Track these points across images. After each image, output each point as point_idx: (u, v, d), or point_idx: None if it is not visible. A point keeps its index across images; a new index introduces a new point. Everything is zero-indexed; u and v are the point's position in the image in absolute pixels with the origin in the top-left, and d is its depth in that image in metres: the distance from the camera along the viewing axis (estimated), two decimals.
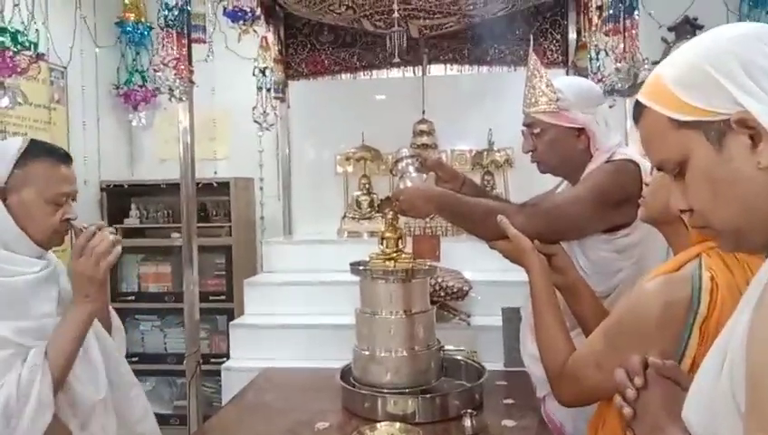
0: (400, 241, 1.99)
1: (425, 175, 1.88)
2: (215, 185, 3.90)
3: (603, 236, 1.62)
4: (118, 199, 4.00)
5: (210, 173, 4.04)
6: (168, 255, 4.01)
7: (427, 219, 2.98)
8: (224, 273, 3.96)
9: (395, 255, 1.96)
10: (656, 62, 2.34)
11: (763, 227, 0.76)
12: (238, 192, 4.01)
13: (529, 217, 1.55)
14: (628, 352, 1.15)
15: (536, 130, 1.73)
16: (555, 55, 3.46)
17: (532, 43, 1.85)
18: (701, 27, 3.99)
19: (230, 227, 3.96)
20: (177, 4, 2.31)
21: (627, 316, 1.19)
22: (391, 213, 1.96)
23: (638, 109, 0.88)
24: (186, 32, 2.36)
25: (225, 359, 3.81)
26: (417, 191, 1.77)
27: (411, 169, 1.90)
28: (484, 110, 3.45)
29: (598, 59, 3.30)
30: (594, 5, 2.83)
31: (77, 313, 1.44)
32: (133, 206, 4.05)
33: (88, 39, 3.95)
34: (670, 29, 3.95)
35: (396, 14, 2.35)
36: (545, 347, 1.38)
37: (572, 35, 3.37)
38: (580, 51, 3.31)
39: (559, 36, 3.41)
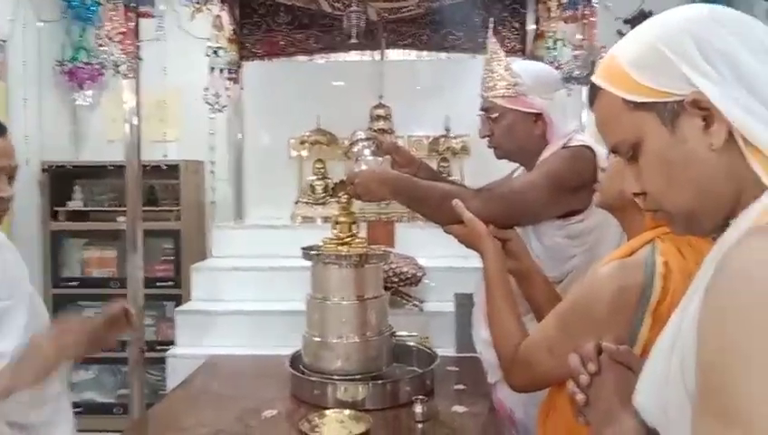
0: (354, 226, 1.94)
1: (380, 158, 1.84)
2: (164, 167, 3.79)
3: (558, 221, 1.61)
4: (60, 181, 3.84)
5: (160, 155, 3.91)
6: (114, 239, 3.88)
7: (382, 205, 2.95)
8: (172, 258, 3.86)
9: (348, 239, 1.91)
10: None
11: (715, 210, 0.75)
12: (188, 175, 3.90)
13: (484, 202, 1.53)
14: (580, 336, 1.14)
15: (494, 115, 1.71)
16: (513, 43, 3.46)
17: (491, 27, 1.82)
18: None
19: (179, 211, 3.85)
20: None
21: (580, 301, 1.18)
22: (345, 197, 1.92)
23: (593, 91, 0.86)
24: (134, 5, 2.25)
25: (172, 346, 3.75)
26: (372, 174, 1.73)
27: (367, 152, 1.86)
28: (441, 96, 3.43)
29: (555, 48, 3.32)
30: None
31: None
32: (77, 188, 3.89)
33: (30, 12, 3.76)
34: (626, 21, 4.00)
35: None
36: (498, 332, 1.37)
37: (531, 25, 3.36)
38: (537, 40, 3.32)
39: (517, 24, 3.41)
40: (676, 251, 1.13)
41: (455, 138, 3.21)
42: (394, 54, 3.52)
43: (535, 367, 1.26)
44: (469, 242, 1.49)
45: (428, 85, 3.48)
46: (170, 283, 3.78)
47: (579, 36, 3.28)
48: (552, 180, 1.55)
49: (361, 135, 1.91)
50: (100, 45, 2.20)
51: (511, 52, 3.46)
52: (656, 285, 1.09)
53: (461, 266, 2.68)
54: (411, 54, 3.53)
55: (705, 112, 0.72)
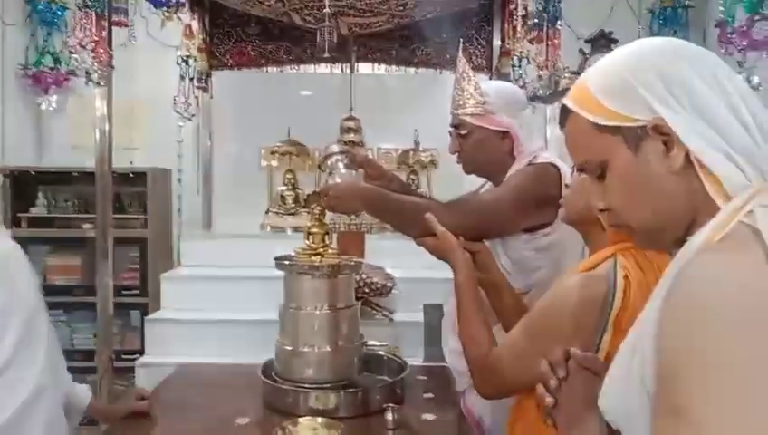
0: (327, 236, 1.99)
1: (354, 171, 1.88)
2: (131, 175, 3.75)
3: (524, 235, 1.68)
4: (23, 187, 3.77)
5: (126, 162, 3.87)
6: (79, 246, 3.83)
7: (353, 216, 2.99)
8: (137, 266, 3.82)
9: (321, 250, 1.95)
10: (574, 72, 2.45)
11: (674, 227, 0.82)
12: (155, 183, 3.87)
13: (455, 215, 1.59)
14: (546, 344, 1.20)
15: (463, 132, 1.77)
16: (480, 60, 3.55)
17: (461, 46, 1.90)
18: (615, 41, 4.21)
19: (146, 219, 3.82)
20: None
21: (547, 311, 1.24)
22: (318, 208, 1.95)
23: (564, 113, 0.92)
24: (106, 13, 2.25)
25: (138, 355, 3.70)
26: (345, 187, 1.77)
27: (341, 165, 1.90)
28: (410, 110, 3.50)
29: (520, 66, 3.43)
30: (519, 14, 2.93)
31: None
32: (40, 194, 3.82)
33: None
34: (587, 41, 4.14)
35: (327, 10, 2.35)
36: (468, 341, 1.42)
37: (497, 42, 3.46)
38: (503, 57, 3.42)
39: (484, 42, 3.51)
40: (635, 265, 1.20)
41: (423, 151, 3.28)
42: (363, 68, 3.58)
43: (503, 374, 1.32)
44: (440, 253, 1.54)
45: (397, 99, 3.55)
46: (136, 291, 3.74)
47: (541, 57, 3.41)
48: (519, 195, 1.62)
49: (335, 148, 1.96)
50: (71, 53, 2.19)
51: (477, 68, 3.55)
52: (617, 297, 1.16)
53: (429, 277, 2.73)
54: (380, 68, 3.59)
55: (666, 137, 0.79)
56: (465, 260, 1.50)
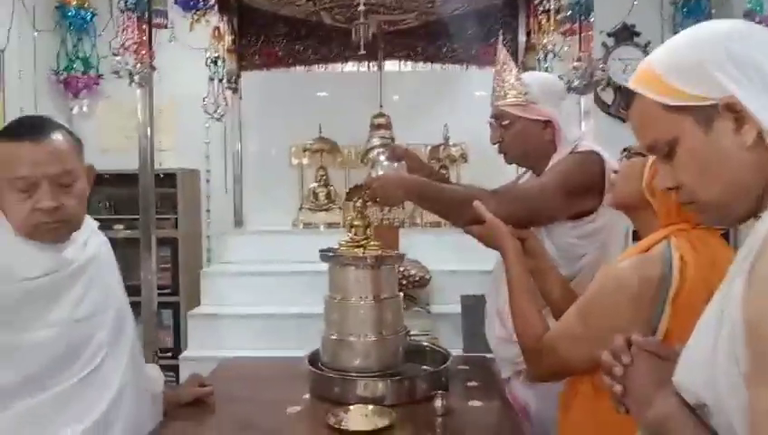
0: (368, 229, 2.02)
1: (396, 163, 1.92)
2: (160, 176, 3.81)
3: (569, 222, 1.70)
4: None
5: (155, 164, 3.92)
6: (111, 247, 3.88)
7: (386, 210, 3.02)
8: (169, 266, 3.87)
9: (364, 242, 1.99)
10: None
11: (745, 200, 0.85)
12: (184, 184, 3.93)
13: (502, 203, 1.61)
14: (603, 327, 1.23)
15: (504, 122, 1.80)
16: None
17: (500, 38, 1.93)
18: (638, 34, 4.24)
19: (176, 219, 3.88)
20: None
21: (602, 293, 1.26)
22: (360, 201, 1.99)
23: (629, 96, 0.95)
24: (146, 15, 2.31)
25: (170, 354, 3.76)
26: (390, 179, 1.81)
27: (382, 157, 1.94)
28: (438, 105, 3.53)
29: (546, 60, 3.44)
30: (551, 7, 2.95)
31: None
32: None
33: (26, 22, 3.78)
34: (610, 34, 4.16)
35: (361, 7, 2.39)
36: (521, 326, 1.44)
37: (522, 37, 3.48)
38: (529, 52, 3.43)
39: (509, 37, 3.52)
40: (690, 246, 1.22)
41: (453, 146, 3.31)
42: (389, 65, 3.61)
43: (558, 357, 1.34)
44: (490, 241, 1.57)
45: (425, 95, 3.58)
46: (167, 290, 3.79)
47: (566, 48, 3.41)
48: (565, 183, 1.65)
49: (376, 142, 2.00)
50: (114, 54, 2.24)
51: None
52: (674, 277, 1.18)
53: (462, 269, 2.77)
54: (407, 65, 3.62)
55: (737, 115, 0.82)
56: (516, 247, 1.52)
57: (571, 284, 1.68)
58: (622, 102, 1.18)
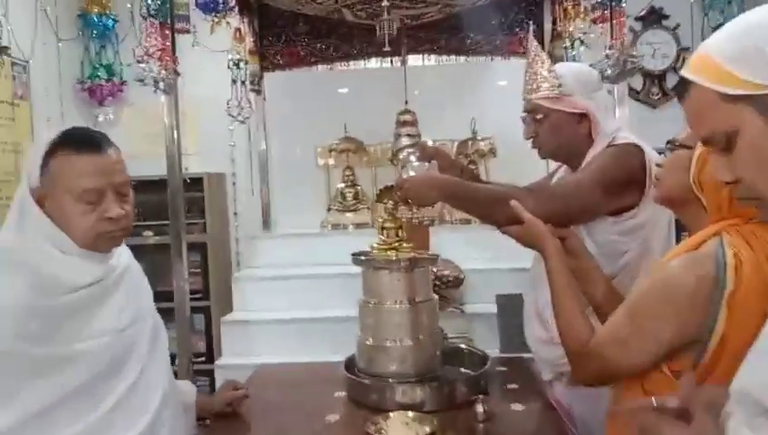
0: (400, 231, 1.98)
1: (427, 163, 1.87)
2: (187, 181, 3.80)
3: (610, 218, 1.64)
4: None
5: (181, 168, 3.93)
6: (140, 254, 3.89)
7: (414, 209, 2.98)
8: (199, 270, 3.88)
9: (396, 244, 1.95)
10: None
11: None
12: (211, 188, 3.93)
13: (540, 202, 1.56)
14: (653, 329, 1.18)
15: (538, 116, 1.75)
16: None
17: (531, 29, 1.87)
18: (667, 17, 4.12)
19: (204, 223, 3.89)
20: None
21: (653, 294, 1.20)
22: (391, 202, 1.95)
23: (685, 85, 0.90)
24: (169, 21, 2.29)
25: (202, 359, 3.77)
26: (422, 179, 1.76)
27: (413, 158, 1.90)
28: (464, 99, 3.47)
29: (573, 48, 3.36)
30: None
31: None
32: None
33: (49, 32, 3.80)
34: (637, 19, 4.04)
35: (385, 3, 2.34)
36: (566, 328, 1.39)
37: (548, 25, 3.40)
38: (555, 40, 3.35)
39: (535, 26, 3.44)
40: (744, 243, 1.15)
41: (482, 140, 3.25)
42: (412, 60, 3.55)
43: (606, 361, 1.28)
44: (529, 242, 1.52)
45: (450, 89, 3.52)
46: (198, 295, 3.80)
47: (593, 36, 3.33)
48: (605, 178, 1.59)
49: (406, 142, 1.95)
50: (139, 62, 2.23)
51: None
52: (729, 277, 1.11)
53: (496, 268, 2.72)
54: (430, 59, 3.56)
55: None
56: (557, 247, 1.47)
57: (614, 282, 1.62)
58: (679, 90, 1.09)
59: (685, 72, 0.90)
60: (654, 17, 4.13)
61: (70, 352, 1.24)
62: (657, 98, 4.16)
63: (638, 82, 4.05)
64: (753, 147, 0.82)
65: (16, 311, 1.20)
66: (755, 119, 0.80)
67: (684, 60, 4.11)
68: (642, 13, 4.08)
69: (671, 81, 4.16)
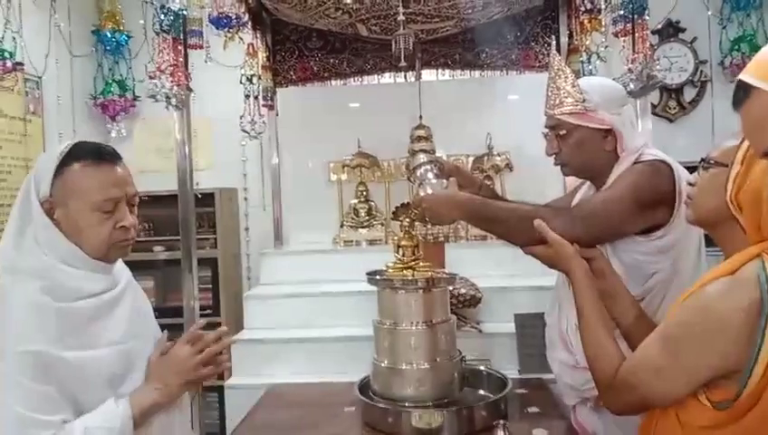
0: (417, 249, 1.93)
1: (445, 181, 1.82)
2: (198, 196, 3.78)
3: (638, 238, 1.58)
4: None
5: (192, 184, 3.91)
6: (151, 269, 3.88)
7: (428, 226, 2.92)
8: (209, 286, 3.85)
9: (413, 263, 1.90)
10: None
11: None
12: (223, 203, 3.91)
13: (567, 221, 1.50)
14: (693, 358, 1.11)
15: (562, 132, 1.69)
16: (547, 59, 3.43)
17: (554, 44, 1.82)
18: (683, 30, 4.07)
19: (215, 239, 3.86)
20: (170, 8, 2.21)
21: (690, 322, 1.13)
22: (408, 220, 1.90)
23: (744, 91, 0.83)
24: (182, 37, 2.26)
25: (215, 377, 3.72)
26: (441, 198, 1.71)
27: (431, 175, 1.84)
28: (479, 114, 3.42)
29: (590, 62, 3.31)
30: (590, 8, 2.83)
31: (141, 397, 1.29)
32: None
33: (63, 48, 3.81)
34: (654, 32, 3.99)
35: (401, 17, 2.30)
36: (594, 354, 1.33)
37: (564, 39, 3.35)
38: (571, 54, 3.30)
39: (550, 40, 3.39)
40: None
41: (498, 155, 3.20)
42: (427, 75, 3.52)
43: (639, 390, 1.22)
44: (555, 262, 1.46)
45: (465, 104, 3.47)
46: (208, 311, 3.76)
47: (611, 49, 3.28)
48: (634, 196, 1.52)
49: (423, 158, 1.90)
50: (151, 78, 2.20)
51: (544, 67, 3.44)
52: None
53: (512, 286, 2.65)
54: (444, 74, 3.52)
55: None
56: (584, 268, 1.41)
57: (642, 304, 1.56)
58: (737, 98, 1.02)
59: (747, 78, 0.82)
60: (671, 30, 4.09)
61: (76, 359, 1.23)
62: (674, 112, 4.10)
63: (654, 96, 3.99)
64: None
65: (34, 310, 1.20)
66: None
67: (702, 73, 4.06)
68: (659, 26, 4.03)
69: (689, 94, 4.10)
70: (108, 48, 4.07)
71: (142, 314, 1.43)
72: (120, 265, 1.42)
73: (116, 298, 1.33)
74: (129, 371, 1.32)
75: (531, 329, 2.32)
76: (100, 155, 1.31)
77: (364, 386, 1.94)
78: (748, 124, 0.83)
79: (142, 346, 1.37)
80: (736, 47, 3.91)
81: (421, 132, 2.98)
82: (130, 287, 1.41)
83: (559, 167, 1.78)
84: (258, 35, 3.46)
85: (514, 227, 1.55)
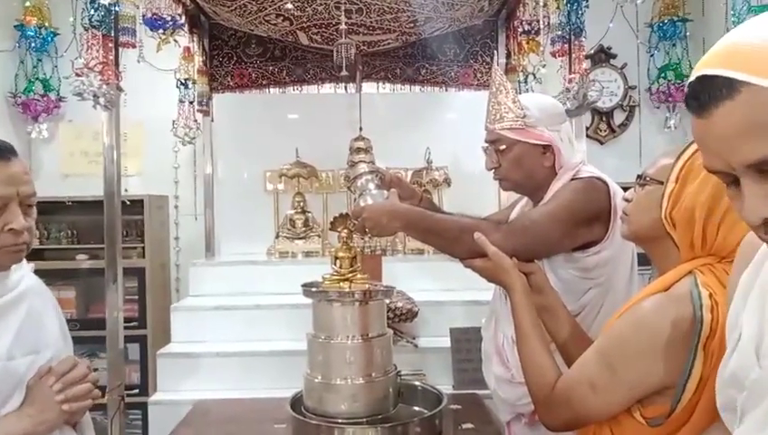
0: (355, 261, 1.88)
1: (386, 192, 1.79)
2: (127, 203, 3.62)
3: (574, 254, 1.59)
4: None
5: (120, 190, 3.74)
6: (72, 278, 3.68)
7: (366, 239, 2.90)
8: (136, 297, 3.68)
9: (350, 275, 1.85)
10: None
11: None
12: (152, 211, 3.75)
13: (506, 235, 1.50)
14: (628, 372, 1.12)
15: (501, 147, 1.69)
16: (485, 78, 3.49)
17: (496, 59, 1.82)
18: (614, 56, 4.23)
19: (143, 247, 3.70)
20: (100, 2, 2.11)
21: (626, 338, 1.14)
22: (346, 231, 1.86)
23: (725, 90, 0.64)
24: (113, 33, 2.16)
25: (137, 390, 3.54)
26: (381, 208, 1.68)
27: (371, 185, 1.81)
28: (418, 128, 3.43)
29: (526, 82, 3.39)
30: (527, 29, 2.90)
31: (10, 425, 1.15)
32: None
33: None
34: (586, 57, 4.12)
35: (343, 26, 2.27)
36: (531, 370, 1.32)
37: (502, 59, 3.41)
38: (509, 73, 3.37)
39: (489, 59, 3.45)
40: (718, 282, 1.11)
41: (437, 169, 3.21)
42: (367, 87, 3.51)
43: (576, 405, 1.22)
44: (494, 276, 1.45)
45: (405, 118, 3.47)
46: (134, 323, 3.60)
47: (545, 70, 3.36)
48: (571, 212, 1.54)
49: (365, 168, 1.87)
50: (78, 75, 2.08)
51: (482, 85, 3.50)
52: (705, 319, 1.06)
53: (450, 300, 2.65)
54: (385, 87, 3.53)
55: None
56: (522, 282, 1.40)
57: (577, 319, 1.57)
58: (706, 101, 0.84)
59: (729, 72, 0.64)
60: (603, 56, 4.24)
61: None
62: (605, 134, 4.25)
63: (587, 119, 4.12)
64: None
65: None
66: None
67: (630, 98, 4.23)
68: (592, 51, 4.17)
69: (618, 118, 4.27)
70: (32, 44, 3.85)
71: (41, 327, 1.28)
72: (24, 271, 1.28)
73: (3, 307, 1.20)
74: (14, 390, 1.18)
75: (466, 343, 2.32)
76: None
77: (296, 402, 1.86)
78: (726, 130, 0.64)
79: (34, 362, 1.22)
80: (663, 74, 4.10)
81: (361, 144, 2.95)
82: (28, 295, 1.26)
83: (497, 182, 1.78)
84: (195, 39, 3.36)
85: (455, 240, 1.54)
